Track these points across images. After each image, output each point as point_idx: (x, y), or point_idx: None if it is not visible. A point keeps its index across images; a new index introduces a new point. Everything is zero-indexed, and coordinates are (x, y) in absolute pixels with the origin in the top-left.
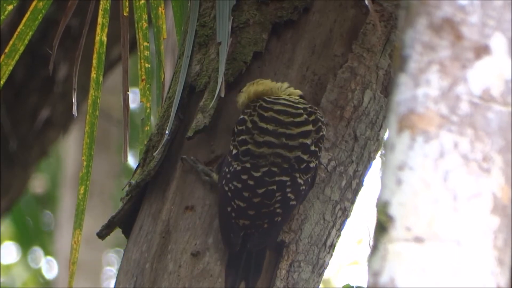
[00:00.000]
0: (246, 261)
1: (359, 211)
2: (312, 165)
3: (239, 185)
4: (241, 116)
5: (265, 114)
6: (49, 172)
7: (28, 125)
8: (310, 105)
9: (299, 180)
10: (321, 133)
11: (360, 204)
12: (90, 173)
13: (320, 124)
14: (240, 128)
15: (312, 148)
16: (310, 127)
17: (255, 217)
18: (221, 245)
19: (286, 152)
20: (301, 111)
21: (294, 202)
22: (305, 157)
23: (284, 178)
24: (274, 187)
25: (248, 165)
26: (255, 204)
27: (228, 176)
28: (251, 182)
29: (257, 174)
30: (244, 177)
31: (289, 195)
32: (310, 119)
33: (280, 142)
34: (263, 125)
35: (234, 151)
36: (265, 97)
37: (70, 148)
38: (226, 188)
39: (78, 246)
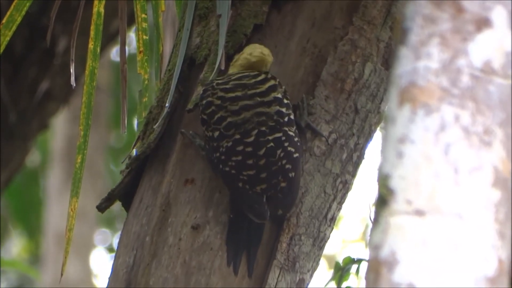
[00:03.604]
0: (247, 231)
1: (361, 186)
2: (291, 117)
3: (239, 158)
4: (204, 102)
5: (228, 86)
6: (37, 147)
7: (28, 98)
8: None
9: (291, 133)
10: (283, 87)
11: (361, 177)
12: (87, 142)
13: (278, 79)
14: (208, 111)
15: (285, 101)
16: (273, 82)
17: (269, 178)
18: (222, 218)
19: (265, 108)
20: (257, 72)
21: (297, 155)
22: (283, 110)
23: (278, 135)
24: (272, 144)
25: (237, 136)
26: (263, 166)
27: (223, 157)
28: (249, 149)
29: (250, 140)
30: (240, 148)
31: (289, 148)
32: (269, 76)
33: (255, 102)
34: (231, 94)
35: (216, 133)
36: (217, 78)
37: (59, 122)
38: (227, 169)
39: (74, 213)
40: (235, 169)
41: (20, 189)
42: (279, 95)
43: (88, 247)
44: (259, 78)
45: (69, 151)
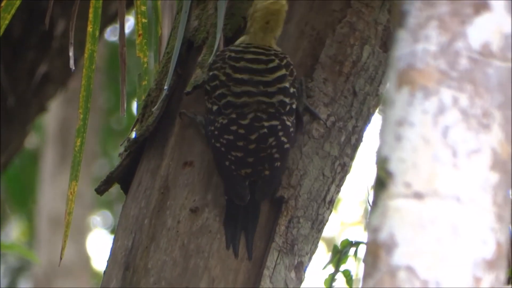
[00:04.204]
0: (244, 212)
1: (360, 169)
2: (293, 106)
3: (231, 137)
4: (210, 73)
5: (237, 65)
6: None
7: (26, 82)
8: (280, 50)
9: (288, 123)
10: (294, 75)
11: (359, 160)
12: (86, 125)
13: (291, 67)
14: (213, 84)
15: (291, 90)
16: (284, 71)
17: (255, 164)
18: (220, 201)
19: (266, 99)
20: (273, 57)
21: (287, 145)
22: (287, 100)
23: (274, 123)
24: (265, 130)
25: (233, 115)
26: (251, 151)
27: (216, 132)
28: (241, 131)
29: (245, 122)
30: (234, 128)
31: (282, 138)
32: (283, 63)
33: (258, 90)
34: (238, 75)
35: (215, 107)
36: (234, 47)
37: (52, 104)
38: (218, 145)
39: (73, 197)
40: (225, 147)
41: (18, 172)
42: (286, 84)
43: (82, 229)
44: (271, 65)
45: (62, 133)
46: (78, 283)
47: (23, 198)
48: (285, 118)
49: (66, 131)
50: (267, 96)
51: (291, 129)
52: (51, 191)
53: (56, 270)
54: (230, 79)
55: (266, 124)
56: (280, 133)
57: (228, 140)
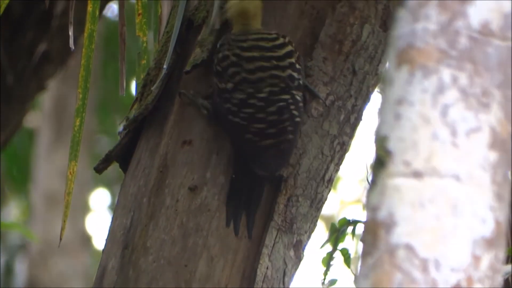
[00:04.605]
0: (248, 191)
1: (360, 148)
2: (301, 82)
3: (251, 110)
4: (220, 55)
5: (245, 45)
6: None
7: (26, 60)
8: (276, 32)
9: (297, 97)
10: (298, 52)
11: (359, 139)
12: (85, 105)
13: (294, 44)
14: (224, 64)
15: (297, 66)
16: (290, 47)
17: (277, 134)
18: (219, 179)
19: (280, 72)
20: (275, 35)
21: (298, 119)
22: (295, 74)
23: (286, 96)
24: (281, 103)
25: (251, 90)
26: (272, 122)
27: (235, 108)
28: (261, 104)
29: (263, 95)
30: (252, 101)
31: (293, 112)
32: (286, 41)
33: (271, 65)
34: (248, 54)
35: (229, 85)
36: (234, 33)
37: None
38: (237, 119)
39: (73, 177)
40: (246, 121)
41: (17, 151)
42: (293, 60)
43: (78, 208)
44: (277, 42)
45: (58, 111)
46: (75, 262)
47: (22, 177)
48: (294, 92)
49: (62, 109)
50: (280, 69)
51: (300, 104)
52: (47, 168)
53: (51, 248)
54: (241, 58)
55: (281, 97)
56: (292, 107)
57: (249, 113)
